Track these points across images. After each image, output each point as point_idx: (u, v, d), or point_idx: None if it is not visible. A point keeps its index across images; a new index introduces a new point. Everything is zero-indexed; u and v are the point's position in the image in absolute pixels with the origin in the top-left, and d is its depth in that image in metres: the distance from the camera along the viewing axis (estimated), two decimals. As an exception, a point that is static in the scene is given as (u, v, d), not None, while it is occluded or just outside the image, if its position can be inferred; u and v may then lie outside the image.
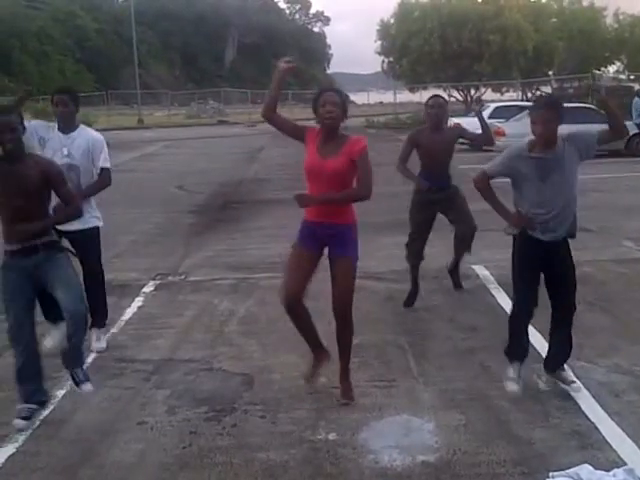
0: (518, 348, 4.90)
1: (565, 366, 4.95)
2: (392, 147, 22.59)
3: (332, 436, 4.36)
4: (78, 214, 4.87)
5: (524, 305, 4.84)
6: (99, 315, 6.01)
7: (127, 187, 15.99)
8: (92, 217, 5.87)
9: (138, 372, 5.48)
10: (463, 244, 6.96)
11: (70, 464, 4.14)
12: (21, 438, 4.45)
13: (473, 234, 6.89)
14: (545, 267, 4.78)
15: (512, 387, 4.82)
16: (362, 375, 5.22)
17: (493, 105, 25.44)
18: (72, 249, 5.13)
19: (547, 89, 44.28)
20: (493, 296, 7.09)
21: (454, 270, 7.31)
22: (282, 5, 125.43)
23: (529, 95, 43.85)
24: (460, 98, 42.17)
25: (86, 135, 5.88)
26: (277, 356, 5.70)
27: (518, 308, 4.88)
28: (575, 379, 4.89)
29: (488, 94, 43.50)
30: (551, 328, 4.92)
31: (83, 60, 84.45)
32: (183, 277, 8.34)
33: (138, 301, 7.35)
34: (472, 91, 41.69)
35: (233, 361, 5.64)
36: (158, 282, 8.10)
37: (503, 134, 19.53)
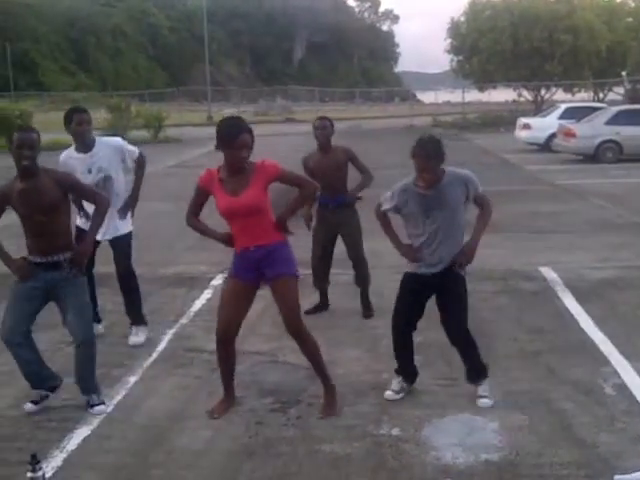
0: (404, 369, 4.95)
1: (482, 387, 4.82)
2: (455, 146, 22.45)
3: (395, 431, 4.41)
4: (107, 206, 4.92)
5: (398, 328, 4.91)
6: (134, 314, 6.20)
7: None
8: (126, 223, 6.03)
9: (206, 362, 5.62)
10: (355, 271, 6.82)
11: (141, 448, 4.31)
12: (96, 421, 4.64)
13: (360, 263, 6.74)
14: (436, 296, 4.82)
15: (387, 393, 4.89)
16: (425, 373, 5.23)
17: (564, 106, 24.91)
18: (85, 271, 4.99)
19: (620, 90, 43.26)
20: (559, 298, 6.99)
21: (362, 296, 6.85)
22: (351, 3, 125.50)
23: (601, 96, 42.92)
24: (530, 98, 41.55)
25: (106, 143, 5.93)
26: (341, 350, 5.78)
27: (395, 329, 4.94)
28: (485, 394, 4.76)
29: (559, 94, 42.73)
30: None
31: (156, 57, 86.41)
32: (250, 271, 8.44)
33: (207, 293, 7.51)
34: (542, 91, 41.05)
35: (298, 354, 5.67)
36: (226, 275, 8.22)
37: (574, 135, 19.20)
